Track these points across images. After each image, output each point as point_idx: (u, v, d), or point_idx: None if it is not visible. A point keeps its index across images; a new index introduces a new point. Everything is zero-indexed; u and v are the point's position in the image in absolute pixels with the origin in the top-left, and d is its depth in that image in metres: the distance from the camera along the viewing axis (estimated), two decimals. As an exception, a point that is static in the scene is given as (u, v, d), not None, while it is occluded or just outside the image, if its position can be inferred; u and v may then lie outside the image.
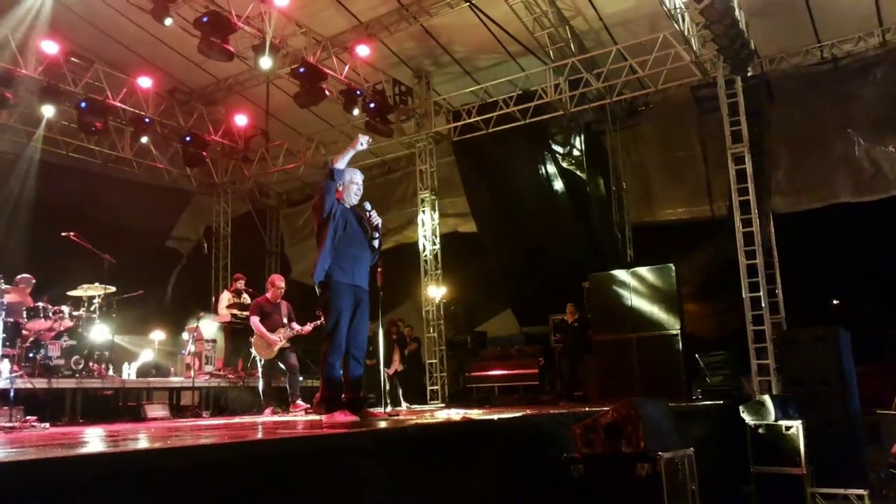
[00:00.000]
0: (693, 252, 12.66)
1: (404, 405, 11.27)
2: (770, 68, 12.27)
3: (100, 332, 9.08)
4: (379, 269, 6.00)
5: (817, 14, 11.41)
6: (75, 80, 11.56)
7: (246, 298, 10.27)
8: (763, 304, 9.83)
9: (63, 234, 8.97)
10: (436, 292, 13.18)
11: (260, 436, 4.00)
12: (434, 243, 13.41)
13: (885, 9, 11.18)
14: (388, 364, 11.68)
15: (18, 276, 8.70)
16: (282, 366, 8.31)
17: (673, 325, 9.87)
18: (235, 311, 10.14)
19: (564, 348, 11.99)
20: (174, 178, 15.00)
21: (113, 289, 9.22)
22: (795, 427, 7.03)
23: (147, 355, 10.41)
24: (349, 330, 5.08)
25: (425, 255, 13.35)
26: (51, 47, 10.83)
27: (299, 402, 8.13)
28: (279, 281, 8.61)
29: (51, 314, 8.31)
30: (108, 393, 8.92)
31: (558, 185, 13.77)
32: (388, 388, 11.65)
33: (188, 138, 13.50)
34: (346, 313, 5.03)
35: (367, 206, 5.43)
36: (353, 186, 5.34)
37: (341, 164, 5.17)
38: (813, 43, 11.97)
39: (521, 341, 13.91)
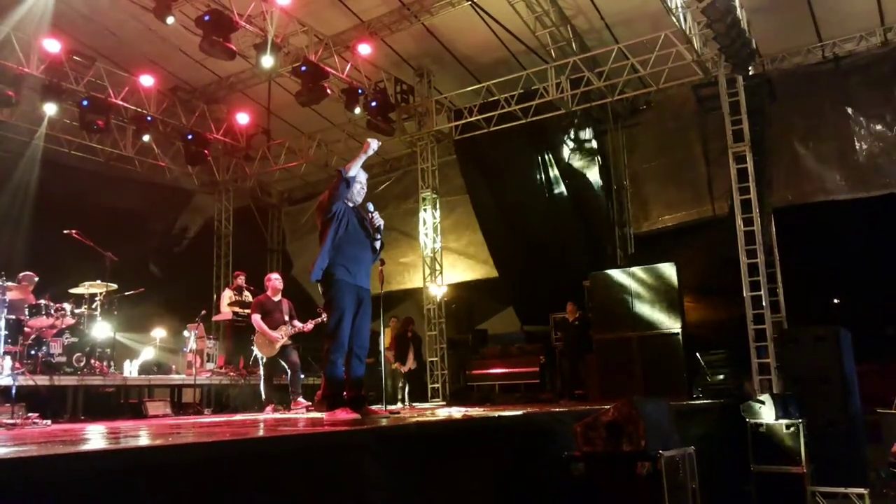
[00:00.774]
0: (694, 250, 12.66)
1: (407, 403, 11.28)
2: (771, 67, 12.26)
3: (101, 330, 9.10)
4: (380, 270, 6.03)
5: (819, 13, 11.40)
6: (77, 78, 11.56)
7: (247, 296, 10.30)
8: (764, 303, 9.84)
9: (65, 231, 8.99)
10: (437, 291, 13.19)
11: (261, 433, 4.01)
12: (435, 241, 13.41)
13: (886, 8, 11.17)
14: (403, 361, 11.77)
15: (21, 274, 8.71)
16: (283, 363, 8.33)
17: (674, 323, 9.86)
18: (237, 309, 10.16)
19: (565, 347, 11.99)
20: (176, 177, 15.00)
21: (115, 286, 9.24)
22: (796, 426, 7.04)
23: (148, 353, 10.44)
24: (352, 329, 5.10)
25: (426, 254, 13.36)
26: (53, 45, 10.85)
27: (301, 399, 8.14)
28: (276, 278, 8.66)
29: (53, 311, 8.33)
30: (110, 390, 8.93)
31: (559, 183, 13.77)
32: (401, 384, 11.74)
33: (190, 136, 13.52)
34: (348, 312, 5.06)
35: (370, 206, 5.48)
36: (357, 186, 5.36)
37: (354, 170, 5.20)
38: (814, 42, 11.96)
39: (522, 340, 13.90)
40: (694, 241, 12.84)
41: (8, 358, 7.38)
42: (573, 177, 13.90)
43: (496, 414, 5.32)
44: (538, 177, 13.78)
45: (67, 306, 8.57)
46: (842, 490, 7.32)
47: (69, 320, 8.55)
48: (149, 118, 12.78)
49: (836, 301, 12.41)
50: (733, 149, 10.27)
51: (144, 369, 9.61)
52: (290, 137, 14.81)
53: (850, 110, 11.85)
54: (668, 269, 10.07)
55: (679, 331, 9.79)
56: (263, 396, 8.35)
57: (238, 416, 7.60)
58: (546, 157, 13.83)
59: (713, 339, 11.08)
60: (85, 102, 11.68)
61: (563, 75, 11.88)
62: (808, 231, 11.65)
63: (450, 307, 13.62)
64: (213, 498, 2.56)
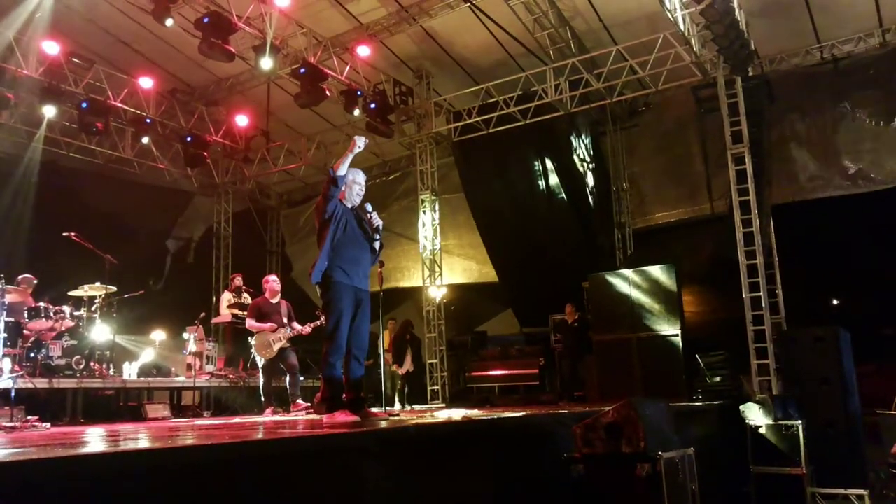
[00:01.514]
0: (693, 252, 12.67)
1: (406, 405, 11.28)
2: (770, 69, 12.28)
3: (101, 332, 9.09)
4: (380, 271, 6.03)
5: (817, 14, 11.42)
6: (76, 80, 11.56)
7: (246, 298, 10.29)
8: (763, 304, 9.83)
9: (64, 234, 8.98)
10: (436, 292, 13.19)
11: (261, 436, 4.01)
12: (434, 243, 13.42)
13: (884, 9, 11.19)
14: (401, 363, 11.73)
15: (20, 277, 8.72)
16: (282, 366, 8.33)
17: (673, 325, 9.87)
18: (236, 311, 10.15)
19: (565, 348, 11.99)
20: (175, 179, 15.00)
21: (114, 289, 9.23)
22: (795, 427, 7.05)
23: (148, 355, 10.42)
24: (350, 330, 5.09)
25: (425, 256, 13.36)
26: (52, 48, 10.83)
27: (300, 401, 8.14)
28: (273, 280, 8.67)
29: (52, 314, 8.32)
30: (109, 393, 8.93)
31: (558, 185, 13.77)
32: (399, 386, 11.71)
33: (189, 139, 13.51)
34: (346, 314, 5.05)
35: (368, 207, 5.44)
36: (355, 187, 5.35)
37: (342, 169, 5.15)
38: (813, 43, 11.98)
39: (522, 341, 13.90)
40: (693, 243, 12.84)
41: (7, 361, 7.37)
42: (572, 178, 13.90)
43: (496, 416, 5.32)
44: (537, 179, 13.78)
45: (67, 309, 8.56)
46: (841, 491, 7.32)
47: (68, 323, 8.54)
48: (148, 120, 12.77)
49: (835, 301, 12.42)
50: (732, 150, 10.28)
51: (144, 372, 9.60)
52: (289, 139, 14.81)
53: (848, 111, 11.87)
54: (667, 271, 10.09)
55: (678, 332, 9.80)
56: (263, 399, 8.35)
57: (237, 419, 7.60)
58: (545, 158, 13.84)
59: (713, 340, 11.09)
60: (84, 104, 11.67)
61: (562, 77, 11.88)
62: (807, 231, 11.65)
63: (449, 309, 13.61)
64: (213, 501, 2.55)
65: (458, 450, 3.97)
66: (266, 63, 10.68)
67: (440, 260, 13.44)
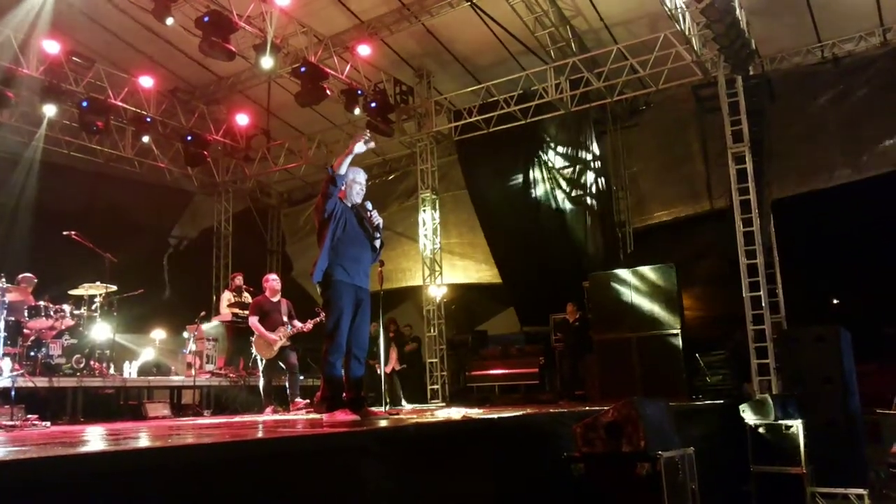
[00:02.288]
0: (693, 251, 12.66)
1: (405, 405, 11.28)
2: (771, 68, 12.27)
3: (101, 331, 9.09)
4: (380, 270, 6.02)
5: (818, 13, 11.41)
6: (77, 79, 11.56)
7: (247, 297, 10.29)
8: (763, 304, 9.83)
9: (64, 233, 8.97)
10: (436, 291, 13.19)
11: (261, 435, 4.01)
12: (434, 242, 13.42)
13: (885, 8, 11.19)
14: (385, 362, 11.69)
15: (20, 275, 8.72)
16: (282, 365, 8.33)
17: (673, 324, 9.86)
18: (237, 311, 10.15)
19: (565, 348, 11.99)
20: (175, 178, 15.01)
21: (114, 288, 9.24)
22: (795, 426, 7.03)
23: (148, 354, 10.43)
24: (350, 330, 5.09)
25: (426, 255, 13.36)
26: (52, 46, 10.84)
27: (299, 400, 8.14)
28: (274, 278, 8.68)
29: (52, 313, 8.32)
30: (109, 392, 8.92)
31: (559, 184, 13.77)
32: (386, 386, 11.66)
33: (189, 138, 13.51)
34: (346, 313, 5.04)
35: (369, 205, 5.41)
36: (355, 186, 5.33)
37: (342, 168, 5.10)
38: (814, 42, 11.98)
39: (522, 340, 13.89)
40: (694, 242, 12.83)
41: (7, 359, 7.38)
42: (573, 177, 13.90)
43: (496, 415, 5.31)
44: (537, 178, 13.78)
45: (67, 308, 8.57)
46: (841, 491, 7.31)
47: (68, 322, 8.55)
48: (148, 119, 12.77)
49: (835, 301, 12.41)
50: (732, 149, 10.27)
51: (144, 371, 9.60)
52: (289, 138, 14.81)
53: (849, 111, 11.86)
54: (668, 270, 10.07)
55: (679, 331, 9.79)
56: (263, 398, 8.35)
57: (237, 418, 7.59)
58: (546, 157, 13.84)
59: (713, 339, 11.08)
60: (84, 103, 11.68)
61: (563, 76, 11.89)
62: (807, 230, 11.64)
63: (449, 308, 13.61)
64: (213, 500, 2.55)
65: (459, 449, 3.97)
66: (266, 62, 10.68)
67: (440, 259, 13.44)
